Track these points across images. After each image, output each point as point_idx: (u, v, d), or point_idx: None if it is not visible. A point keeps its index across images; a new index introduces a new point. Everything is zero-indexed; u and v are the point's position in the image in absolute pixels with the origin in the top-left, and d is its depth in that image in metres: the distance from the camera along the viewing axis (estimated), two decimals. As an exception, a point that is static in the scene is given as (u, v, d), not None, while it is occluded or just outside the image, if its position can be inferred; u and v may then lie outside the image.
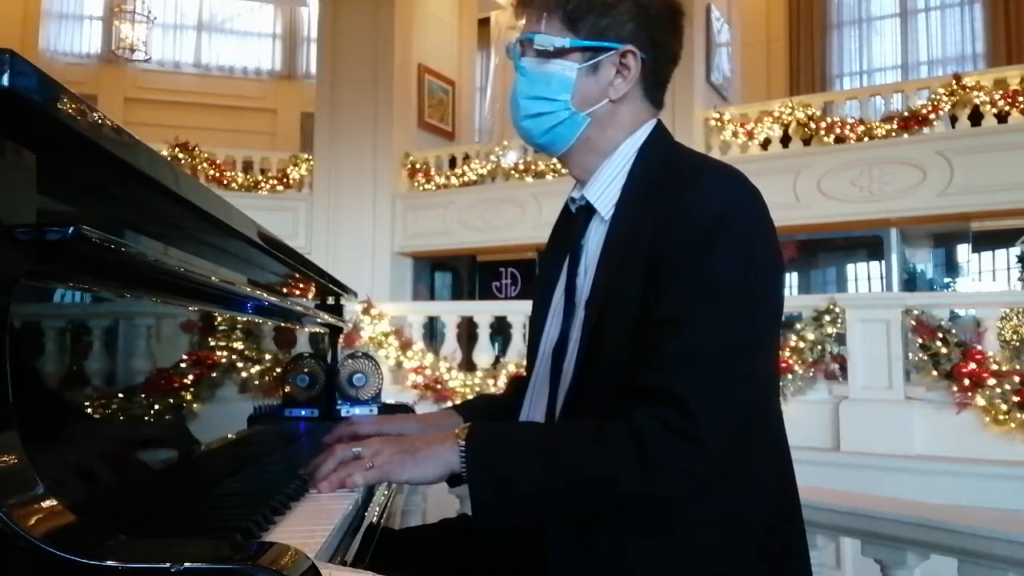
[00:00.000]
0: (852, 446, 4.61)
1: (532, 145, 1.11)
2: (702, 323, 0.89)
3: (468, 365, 6.33)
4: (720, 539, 0.93)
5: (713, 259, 0.89)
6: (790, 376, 4.85)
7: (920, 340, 4.58)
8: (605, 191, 1.04)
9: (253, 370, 1.25)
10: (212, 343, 1.12)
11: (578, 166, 1.08)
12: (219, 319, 1.15)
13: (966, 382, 4.36)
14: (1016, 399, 4.24)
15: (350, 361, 1.78)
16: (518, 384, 1.28)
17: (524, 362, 1.22)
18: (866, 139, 6.71)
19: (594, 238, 1.05)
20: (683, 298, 0.90)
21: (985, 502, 3.76)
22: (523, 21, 1.06)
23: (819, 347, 4.90)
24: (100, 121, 0.67)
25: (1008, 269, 7.82)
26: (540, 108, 1.04)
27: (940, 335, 4.51)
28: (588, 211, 1.07)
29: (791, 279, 8.03)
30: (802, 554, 1.01)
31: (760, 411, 0.99)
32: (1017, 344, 6.56)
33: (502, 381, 5.86)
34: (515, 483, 0.89)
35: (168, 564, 0.52)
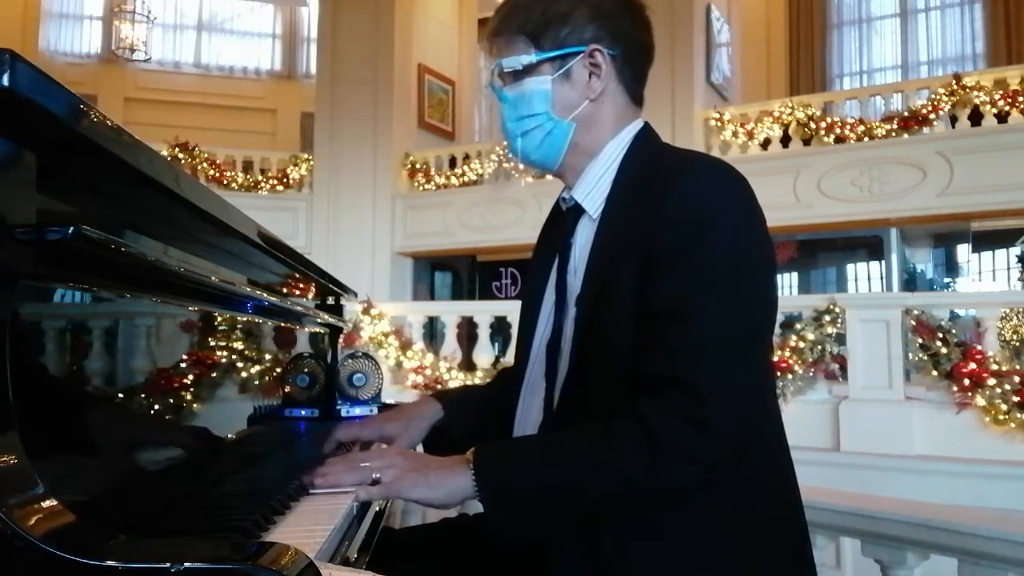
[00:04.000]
0: (852, 446, 4.61)
1: (531, 165, 1.13)
2: (701, 312, 0.89)
3: (468, 365, 6.32)
4: (724, 540, 0.93)
5: (706, 248, 0.91)
6: (790, 376, 4.85)
7: (920, 340, 4.58)
8: (593, 190, 1.06)
9: (253, 370, 1.25)
10: (212, 343, 1.12)
11: (570, 171, 1.10)
12: (219, 319, 1.15)
13: (966, 382, 4.35)
14: (1016, 399, 4.24)
15: (350, 361, 1.78)
16: (506, 376, 1.29)
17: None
18: (866, 139, 6.71)
19: (582, 237, 1.06)
20: (680, 288, 0.90)
21: (985, 502, 3.76)
22: (493, 59, 1.11)
23: (819, 347, 4.90)
24: (100, 121, 0.67)
25: (1008, 269, 7.82)
26: (527, 125, 1.07)
27: (940, 335, 4.51)
28: (576, 211, 1.08)
29: (791, 279, 8.03)
30: (806, 554, 1.02)
31: (760, 408, 0.99)
32: (1017, 344, 6.55)
33: (502, 381, 5.85)
34: (528, 498, 0.89)
35: (168, 564, 0.52)
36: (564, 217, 1.12)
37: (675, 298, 0.90)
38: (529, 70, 1.05)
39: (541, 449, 0.96)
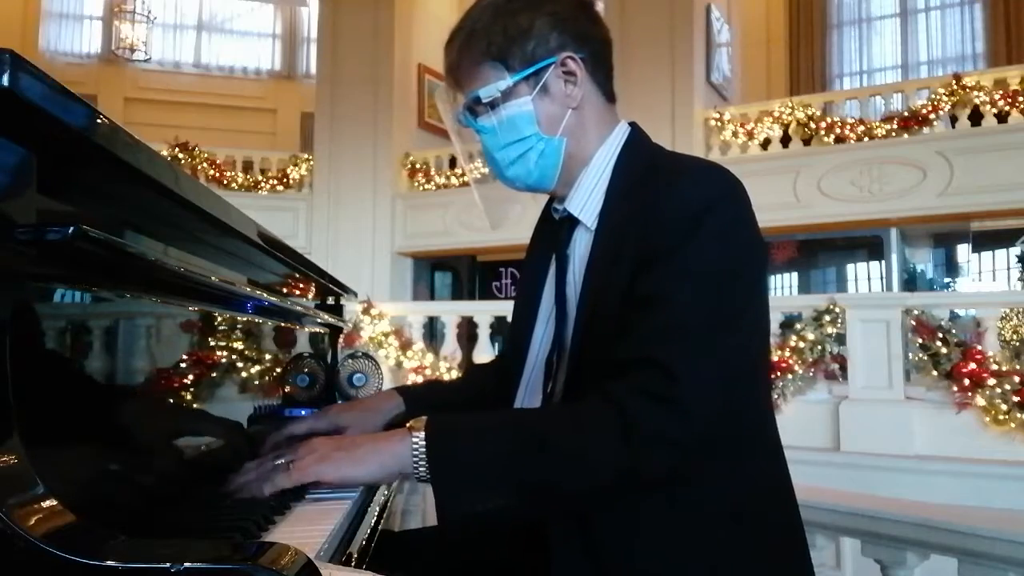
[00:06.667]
0: (852, 446, 4.62)
1: (527, 190, 1.09)
2: (680, 298, 0.88)
3: (468, 365, 6.33)
4: (722, 538, 0.93)
5: (694, 246, 0.89)
6: (790, 376, 4.85)
7: (920, 340, 4.58)
8: (587, 201, 1.04)
9: (253, 370, 1.25)
10: (212, 343, 1.12)
11: (563, 185, 1.08)
12: (219, 319, 1.15)
13: (966, 382, 4.36)
14: (1016, 399, 4.24)
15: (350, 361, 1.78)
16: (479, 376, 1.30)
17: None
18: (866, 139, 6.72)
19: (580, 247, 1.05)
20: (660, 279, 0.89)
21: (985, 502, 3.76)
22: (460, 92, 1.06)
23: (819, 347, 4.90)
24: (100, 121, 0.67)
25: (1008, 269, 7.82)
26: (518, 151, 1.03)
27: (940, 335, 4.51)
28: (572, 221, 1.06)
29: (791, 279, 8.04)
30: (803, 553, 1.02)
31: (755, 407, 0.99)
32: (1017, 344, 6.56)
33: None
34: (486, 472, 0.84)
35: (168, 564, 0.52)
36: (559, 226, 1.09)
37: (653, 288, 0.89)
38: (507, 95, 1.01)
39: (505, 424, 0.91)
